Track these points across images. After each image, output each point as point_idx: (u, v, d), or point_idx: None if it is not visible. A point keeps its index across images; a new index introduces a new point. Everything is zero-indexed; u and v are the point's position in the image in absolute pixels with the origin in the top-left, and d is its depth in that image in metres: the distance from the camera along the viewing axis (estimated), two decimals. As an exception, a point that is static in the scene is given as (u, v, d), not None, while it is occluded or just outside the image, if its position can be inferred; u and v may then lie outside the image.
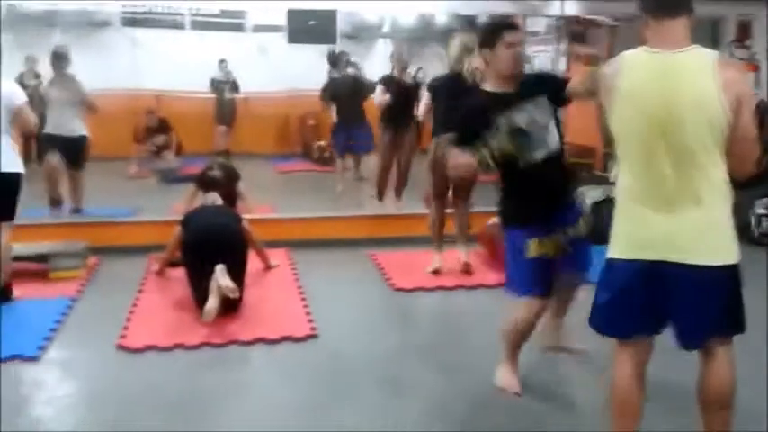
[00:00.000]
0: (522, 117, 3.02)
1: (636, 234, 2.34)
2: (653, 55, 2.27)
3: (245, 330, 3.99)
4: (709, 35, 6.91)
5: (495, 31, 3.10)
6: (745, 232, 6.07)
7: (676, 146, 2.24)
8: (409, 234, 5.76)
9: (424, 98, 5.26)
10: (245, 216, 4.92)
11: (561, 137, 3.17)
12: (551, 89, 3.12)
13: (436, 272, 4.98)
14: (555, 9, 6.45)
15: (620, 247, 2.37)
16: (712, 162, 2.26)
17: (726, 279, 2.31)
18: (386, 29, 10.42)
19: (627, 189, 2.37)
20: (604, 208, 4.76)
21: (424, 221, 5.31)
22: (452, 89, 4.72)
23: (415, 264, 5.24)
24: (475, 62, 4.56)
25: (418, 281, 4.88)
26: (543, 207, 3.12)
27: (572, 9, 6.40)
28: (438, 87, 5.03)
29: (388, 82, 6.28)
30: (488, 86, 3.19)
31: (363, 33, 9.62)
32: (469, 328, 4.21)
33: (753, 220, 5.99)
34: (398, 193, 6.66)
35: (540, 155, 3.06)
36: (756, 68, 6.50)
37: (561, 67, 8.17)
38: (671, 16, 2.26)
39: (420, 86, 6.04)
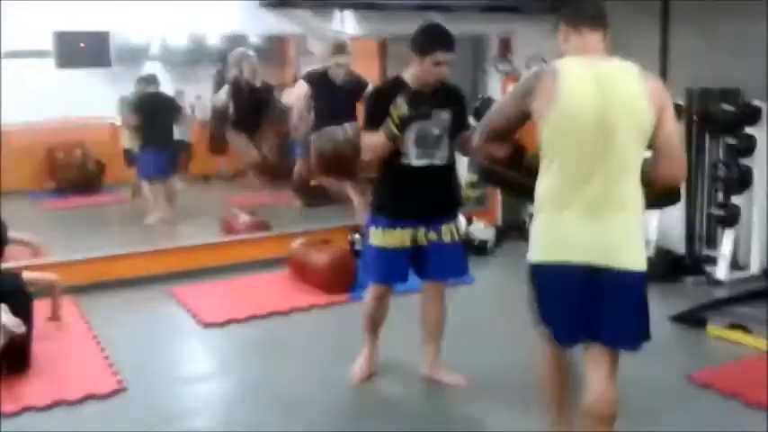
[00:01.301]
0: (422, 123, 3.18)
1: (561, 237, 2.34)
2: (585, 63, 2.34)
3: (40, 393, 3.49)
4: (471, 51, 7.44)
5: (427, 46, 3.15)
6: (519, 229, 6.63)
7: (608, 151, 2.28)
8: (212, 264, 5.48)
9: (298, 86, 5.34)
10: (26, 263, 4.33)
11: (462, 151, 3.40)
12: (457, 111, 3.31)
13: None
14: (335, 28, 6.52)
15: (544, 249, 2.38)
16: (636, 169, 2.33)
17: (644, 284, 2.37)
18: (155, 50, 9.95)
19: (552, 193, 2.36)
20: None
21: (226, 249, 5.11)
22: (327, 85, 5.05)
23: (222, 295, 4.99)
24: (343, 60, 5.02)
25: (228, 313, 4.64)
26: (407, 206, 3.29)
27: (352, 29, 6.52)
28: (315, 78, 5.17)
29: (236, 86, 6.11)
30: (409, 79, 3.27)
31: (133, 55, 9.05)
32: (292, 355, 4.07)
33: (526, 219, 6.52)
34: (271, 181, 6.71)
35: (420, 162, 3.24)
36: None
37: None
38: (591, 29, 2.39)
39: (271, 91, 6.21)
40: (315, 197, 7.79)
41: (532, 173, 2.45)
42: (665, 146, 2.34)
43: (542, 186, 2.40)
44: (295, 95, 5.35)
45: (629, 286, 2.32)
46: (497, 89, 7.04)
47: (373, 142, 3.23)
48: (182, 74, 9.92)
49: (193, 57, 9.90)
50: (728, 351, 3.90)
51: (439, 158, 3.27)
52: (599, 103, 2.27)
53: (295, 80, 8.67)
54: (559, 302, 2.38)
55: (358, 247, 6.02)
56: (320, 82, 5.13)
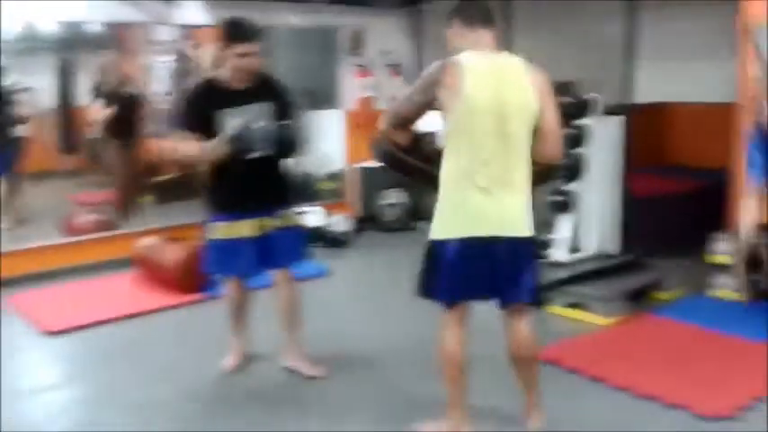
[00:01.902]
0: (239, 119, 3.20)
1: (468, 214, 2.62)
2: (483, 58, 2.60)
3: None
4: (323, 43, 7.45)
5: (229, 39, 3.22)
6: (375, 220, 6.76)
7: (504, 138, 2.59)
8: (53, 268, 5.15)
9: None
10: None
11: (289, 142, 3.37)
12: (280, 102, 3.35)
13: None
14: (180, 17, 6.29)
15: (451, 227, 2.64)
16: (525, 153, 2.66)
17: (534, 248, 2.81)
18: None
19: (457, 175, 2.62)
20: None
21: (68, 251, 4.80)
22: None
23: (66, 301, 4.71)
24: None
25: (73, 319, 4.37)
26: (242, 198, 3.34)
27: (198, 17, 6.31)
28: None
29: (109, 96, 5.87)
30: (224, 77, 3.30)
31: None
32: (142, 358, 3.90)
33: (381, 210, 6.66)
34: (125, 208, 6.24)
35: (249, 155, 3.25)
36: (370, 74, 7.19)
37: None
38: (484, 26, 2.68)
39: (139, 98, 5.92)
40: (166, 193, 7.54)
41: (430, 160, 2.72)
42: (546, 130, 2.69)
43: (447, 169, 2.65)
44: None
45: (524, 250, 2.71)
46: (350, 81, 7.10)
47: (203, 151, 3.24)
48: (15, 64, 9.19)
49: (28, 46, 9.18)
50: (569, 328, 4.18)
51: (265, 150, 3.30)
52: (497, 95, 2.58)
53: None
54: (466, 272, 2.65)
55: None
56: None
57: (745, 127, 4.28)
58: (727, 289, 4.50)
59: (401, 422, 3.05)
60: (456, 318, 2.76)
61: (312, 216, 6.32)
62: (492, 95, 2.56)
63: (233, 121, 3.21)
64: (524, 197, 2.69)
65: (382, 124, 2.79)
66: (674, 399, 3.19)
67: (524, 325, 2.82)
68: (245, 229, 3.38)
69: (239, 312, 3.65)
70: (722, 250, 4.50)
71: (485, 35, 2.68)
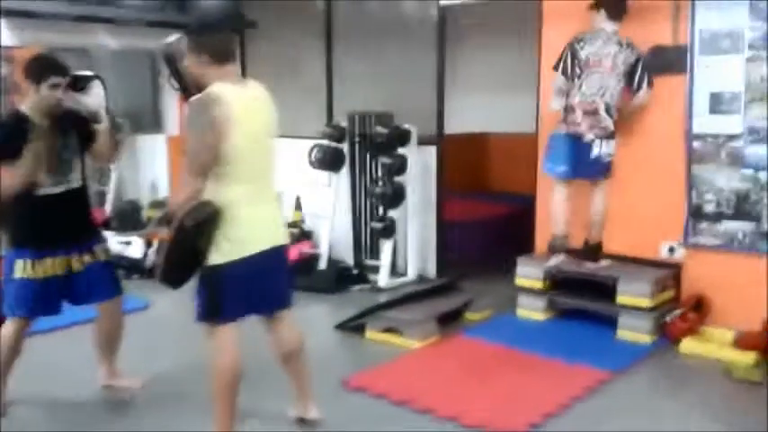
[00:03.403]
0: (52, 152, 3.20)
1: (250, 234, 2.80)
2: (236, 90, 2.76)
3: None
4: (148, 66, 7.25)
5: (41, 71, 3.20)
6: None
7: (262, 158, 2.86)
8: None
9: None
10: None
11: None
12: (82, 130, 3.34)
13: None
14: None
15: (239, 247, 2.77)
16: (274, 165, 2.94)
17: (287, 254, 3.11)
18: None
19: (232, 201, 2.74)
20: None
21: None
22: None
23: None
24: None
25: None
26: (50, 233, 3.25)
27: (8, 38, 5.94)
28: None
29: None
30: (29, 111, 3.24)
31: None
32: None
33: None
34: None
35: (58, 189, 3.25)
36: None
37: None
38: (230, 62, 2.84)
39: None
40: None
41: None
42: None
43: (224, 195, 2.74)
44: None
45: (284, 257, 3.03)
46: (173, 105, 6.94)
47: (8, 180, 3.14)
48: None
49: None
50: (384, 353, 4.27)
51: (75, 181, 3.37)
52: (257, 120, 2.82)
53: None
54: (247, 288, 2.82)
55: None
56: None
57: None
58: (529, 309, 4.80)
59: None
60: (233, 337, 2.88)
61: (133, 247, 6.09)
62: (251, 124, 2.76)
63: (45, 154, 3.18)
64: (278, 209, 3.04)
65: (188, 182, 2.73)
66: (472, 419, 3.34)
67: (288, 326, 3.09)
68: (57, 265, 3.29)
69: (13, 359, 3.38)
70: (525, 273, 4.80)
71: (231, 69, 2.85)
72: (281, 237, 2.98)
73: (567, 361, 4.01)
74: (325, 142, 5.89)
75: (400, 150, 5.61)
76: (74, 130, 3.34)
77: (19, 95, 7.28)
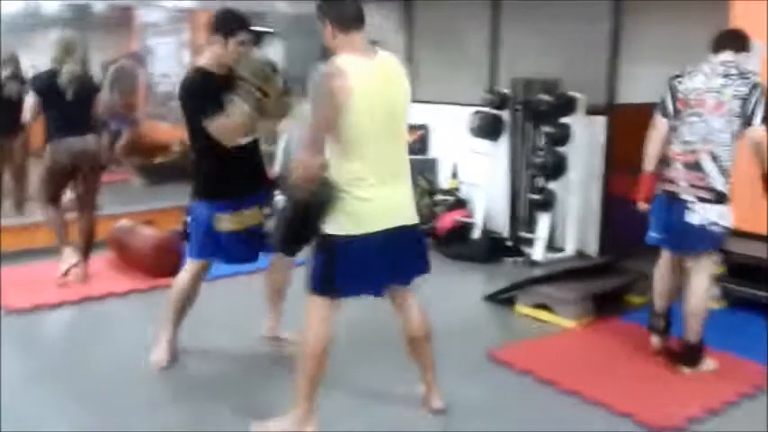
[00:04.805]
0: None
1: (369, 212, 2.69)
2: (363, 60, 2.65)
3: None
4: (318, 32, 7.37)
5: (231, 28, 3.24)
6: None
7: (394, 134, 2.75)
8: (24, 247, 5.15)
9: (29, 98, 4.64)
10: None
11: None
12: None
13: (66, 273, 4.65)
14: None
15: (359, 224, 2.68)
16: (406, 141, 2.85)
17: (423, 234, 3.06)
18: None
19: (357, 176, 2.66)
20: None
21: (38, 231, 4.85)
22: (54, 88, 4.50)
23: (35, 279, 4.70)
24: (71, 68, 4.49)
25: (38, 298, 4.37)
26: (241, 184, 3.35)
27: (190, 2, 6.30)
28: (44, 87, 4.56)
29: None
30: (207, 65, 3.29)
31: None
32: (97, 343, 3.89)
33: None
34: (20, 205, 6.03)
35: (244, 140, 3.29)
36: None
37: (185, 58, 8.08)
38: (357, 30, 2.69)
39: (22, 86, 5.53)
40: (157, 175, 7.55)
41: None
42: None
43: (346, 171, 2.66)
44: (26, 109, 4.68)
45: (412, 238, 2.87)
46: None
47: (234, 123, 3.15)
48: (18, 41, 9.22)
49: (25, 23, 9.19)
50: (533, 329, 4.13)
51: (253, 133, 3.39)
52: (385, 95, 2.67)
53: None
54: (361, 266, 2.71)
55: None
56: (48, 90, 4.53)
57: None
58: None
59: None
60: (334, 310, 2.81)
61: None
62: (381, 98, 2.65)
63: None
64: (409, 187, 2.86)
65: (306, 154, 2.66)
66: (622, 407, 3.13)
67: (416, 306, 2.97)
68: (251, 217, 3.38)
69: (192, 302, 3.53)
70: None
71: (358, 37, 2.70)
72: (407, 217, 2.83)
73: (737, 355, 3.66)
74: (485, 109, 5.72)
75: (565, 119, 5.33)
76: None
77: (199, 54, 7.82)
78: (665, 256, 3.70)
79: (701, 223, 3.39)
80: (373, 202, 2.68)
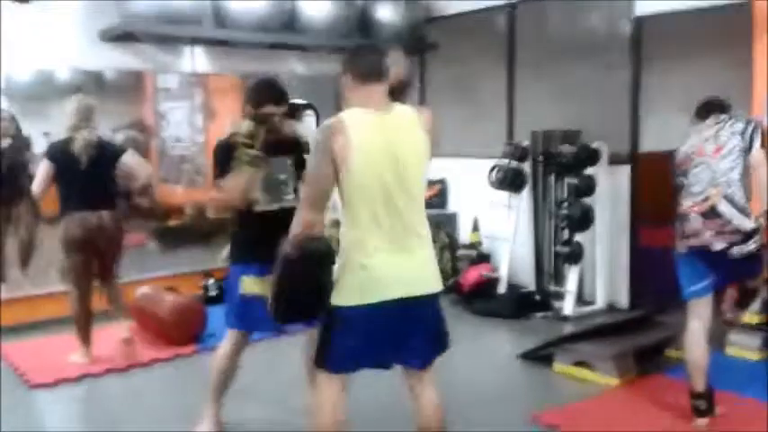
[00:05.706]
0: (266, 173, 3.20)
1: (375, 280, 2.43)
2: (370, 114, 2.45)
3: None
4: (333, 92, 7.40)
5: (261, 100, 3.20)
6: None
7: (403, 191, 2.46)
8: (44, 317, 5.04)
9: (42, 165, 4.41)
10: None
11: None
12: (297, 153, 3.30)
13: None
14: (187, 65, 6.30)
15: (359, 294, 2.44)
16: (423, 200, 2.57)
17: (439, 300, 2.61)
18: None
19: (362, 240, 2.45)
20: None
21: (58, 300, 4.71)
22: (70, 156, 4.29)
23: (53, 351, 4.57)
24: (86, 135, 4.31)
25: (60, 371, 4.23)
26: (269, 250, 3.06)
27: (203, 66, 6.32)
28: (58, 154, 4.36)
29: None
30: (239, 135, 3.20)
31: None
32: (125, 418, 3.75)
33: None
34: (24, 263, 5.86)
35: (273, 206, 3.24)
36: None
37: (198, 122, 8.10)
38: (377, 81, 2.50)
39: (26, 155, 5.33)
40: (172, 239, 7.47)
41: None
42: None
43: (351, 235, 2.48)
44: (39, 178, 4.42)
45: (433, 307, 2.58)
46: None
47: (235, 184, 3.15)
48: (27, 110, 9.26)
49: (38, 92, 9.26)
50: (574, 389, 3.97)
51: (288, 202, 3.29)
52: (392, 151, 2.45)
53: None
54: (363, 338, 2.47)
55: (212, 292, 5.75)
56: (63, 159, 4.33)
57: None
58: (743, 348, 4.28)
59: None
60: (341, 385, 2.55)
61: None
62: (384, 154, 2.43)
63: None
64: (429, 247, 2.56)
65: (303, 215, 2.49)
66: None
67: (431, 391, 2.61)
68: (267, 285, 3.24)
69: (232, 374, 3.37)
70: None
71: (376, 90, 2.51)
72: (424, 285, 2.53)
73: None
74: (505, 162, 5.67)
75: (588, 170, 5.27)
76: (289, 155, 3.31)
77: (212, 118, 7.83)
78: (701, 314, 3.46)
79: (749, 250, 3.26)
80: (376, 269, 2.43)
